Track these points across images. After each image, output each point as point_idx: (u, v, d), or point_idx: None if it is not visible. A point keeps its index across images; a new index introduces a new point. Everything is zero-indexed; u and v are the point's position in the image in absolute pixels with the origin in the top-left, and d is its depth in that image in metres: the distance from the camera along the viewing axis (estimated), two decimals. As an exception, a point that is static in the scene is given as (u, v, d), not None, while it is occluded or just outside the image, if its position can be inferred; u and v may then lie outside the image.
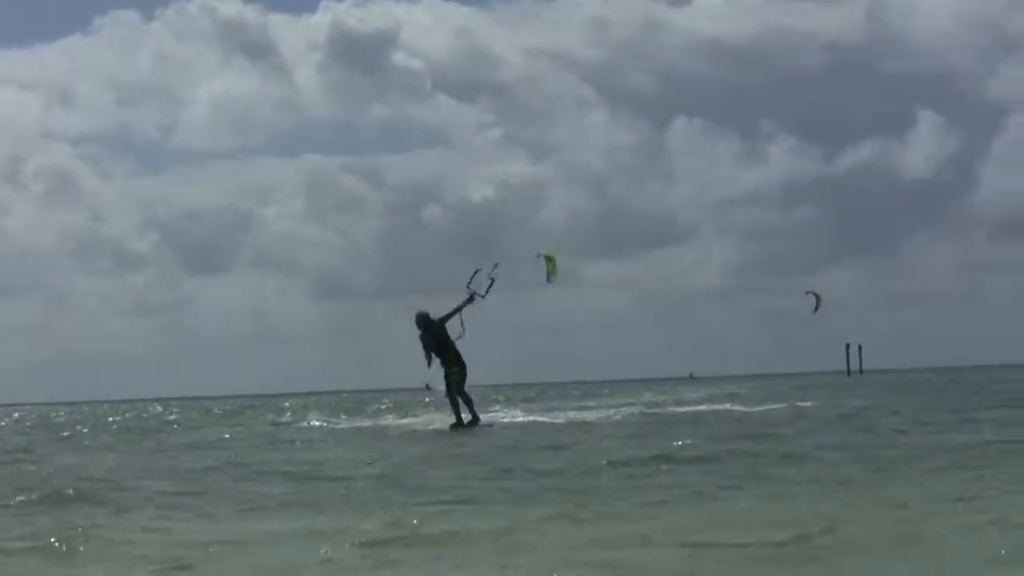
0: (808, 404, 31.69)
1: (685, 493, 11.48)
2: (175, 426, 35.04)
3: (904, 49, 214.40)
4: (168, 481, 14.41)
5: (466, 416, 25.11)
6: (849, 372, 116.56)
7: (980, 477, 12.02)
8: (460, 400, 24.93)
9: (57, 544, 9.30)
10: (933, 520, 9.33)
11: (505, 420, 28.51)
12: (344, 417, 35.39)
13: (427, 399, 40.26)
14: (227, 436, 26.60)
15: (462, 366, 24.93)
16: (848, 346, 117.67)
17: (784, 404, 31.46)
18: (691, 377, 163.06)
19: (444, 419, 26.29)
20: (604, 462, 14.57)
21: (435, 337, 24.80)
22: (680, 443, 17.38)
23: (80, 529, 10.04)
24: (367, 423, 31.11)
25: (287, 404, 63.13)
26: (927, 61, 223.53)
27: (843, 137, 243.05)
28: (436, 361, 25.02)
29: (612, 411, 31.67)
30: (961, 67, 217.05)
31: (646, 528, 9.27)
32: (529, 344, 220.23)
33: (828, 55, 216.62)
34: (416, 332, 25.05)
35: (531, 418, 29.08)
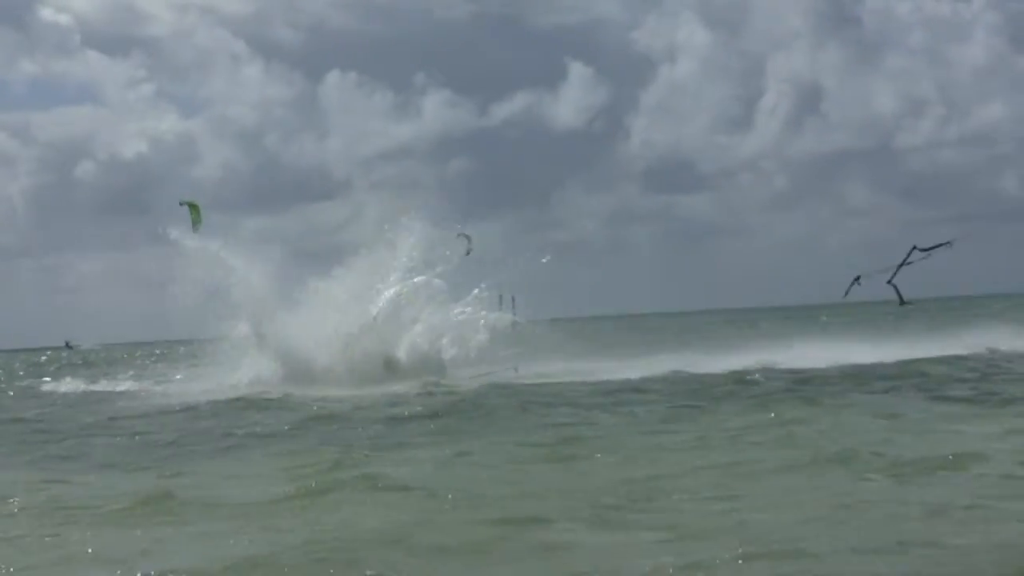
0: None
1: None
2: None
3: (554, 2, 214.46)
4: None
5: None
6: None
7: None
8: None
9: None
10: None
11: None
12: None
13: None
14: None
15: None
16: (501, 297, 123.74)
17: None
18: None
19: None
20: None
21: None
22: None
23: None
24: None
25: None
26: (576, 14, 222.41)
27: (496, 90, 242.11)
28: None
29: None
30: (609, 19, 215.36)
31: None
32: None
33: (478, 8, 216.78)
34: None
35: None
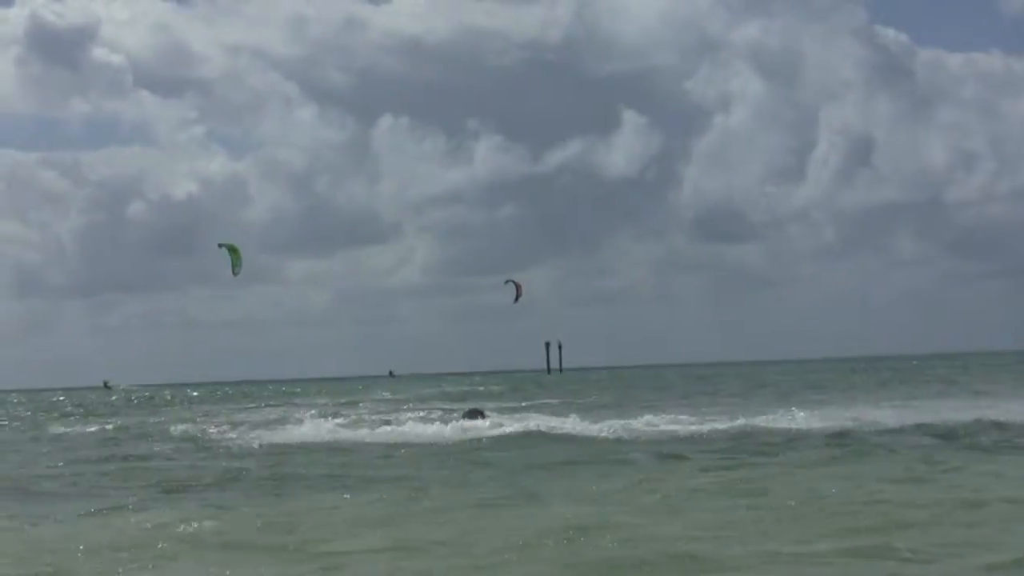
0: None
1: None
2: None
3: (608, 50, 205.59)
4: None
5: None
6: (549, 370, 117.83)
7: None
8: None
9: None
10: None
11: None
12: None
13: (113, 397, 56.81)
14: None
15: None
16: (548, 344, 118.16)
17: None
18: (391, 375, 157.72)
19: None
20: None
21: None
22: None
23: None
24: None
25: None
26: (631, 62, 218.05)
27: (549, 137, 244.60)
28: None
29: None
30: (664, 68, 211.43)
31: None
32: (227, 341, 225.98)
33: (532, 55, 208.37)
34: None
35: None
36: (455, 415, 34.56)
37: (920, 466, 18.59)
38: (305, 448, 26.49)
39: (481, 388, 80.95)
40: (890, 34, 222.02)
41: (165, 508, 16.23)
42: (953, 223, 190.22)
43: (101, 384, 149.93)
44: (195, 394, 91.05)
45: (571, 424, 30.59)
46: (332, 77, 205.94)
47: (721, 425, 28.37)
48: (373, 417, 38.80)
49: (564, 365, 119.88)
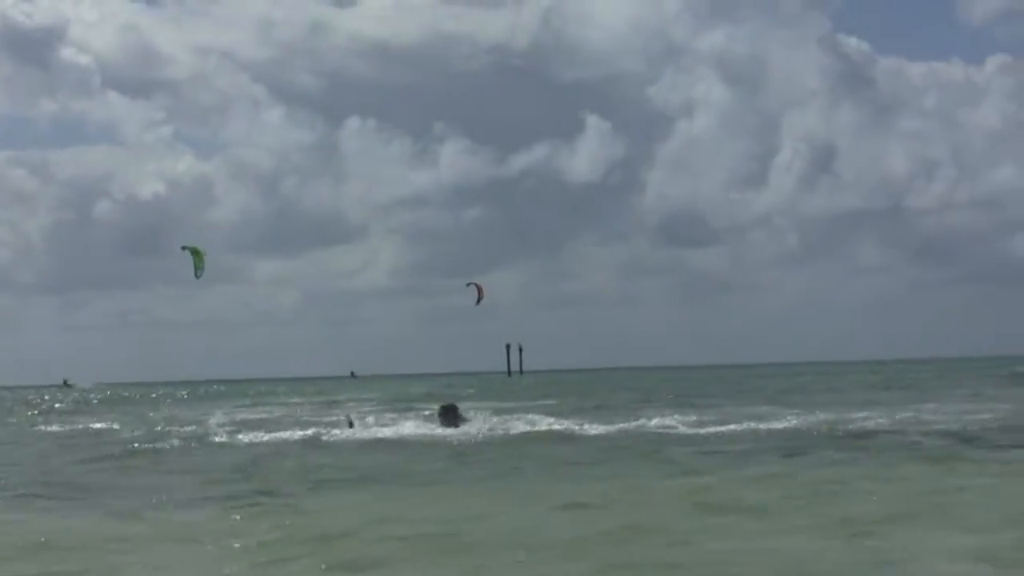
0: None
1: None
2: None
3: (574, 56, 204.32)
4: None
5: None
6: (510, 372, 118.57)
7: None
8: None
9: None
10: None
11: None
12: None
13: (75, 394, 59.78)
14: None
15: None
16: (508, 347, 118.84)
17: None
18: (353, 376, 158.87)
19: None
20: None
21: None
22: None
23: None
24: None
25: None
26: (597, 67, 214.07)
27: (514, 141, 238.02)
28: None
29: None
30: (629, 74, 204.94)
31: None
32: (191, 341, 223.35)
33: (499, 60, 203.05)
34: None
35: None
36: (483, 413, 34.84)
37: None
38: (409, 441, 27.26)
39: (449, 389, 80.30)
40: (852, 43, 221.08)
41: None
42: (915, 230, 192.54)
43: (60, 383, 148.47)
44: (154, 395, 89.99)
45: (587, 425, 30.37)
46: (300, 79, 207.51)
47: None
48: (391, 415, 38.69)
49: (525, 368, 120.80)
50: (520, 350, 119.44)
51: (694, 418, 31.86)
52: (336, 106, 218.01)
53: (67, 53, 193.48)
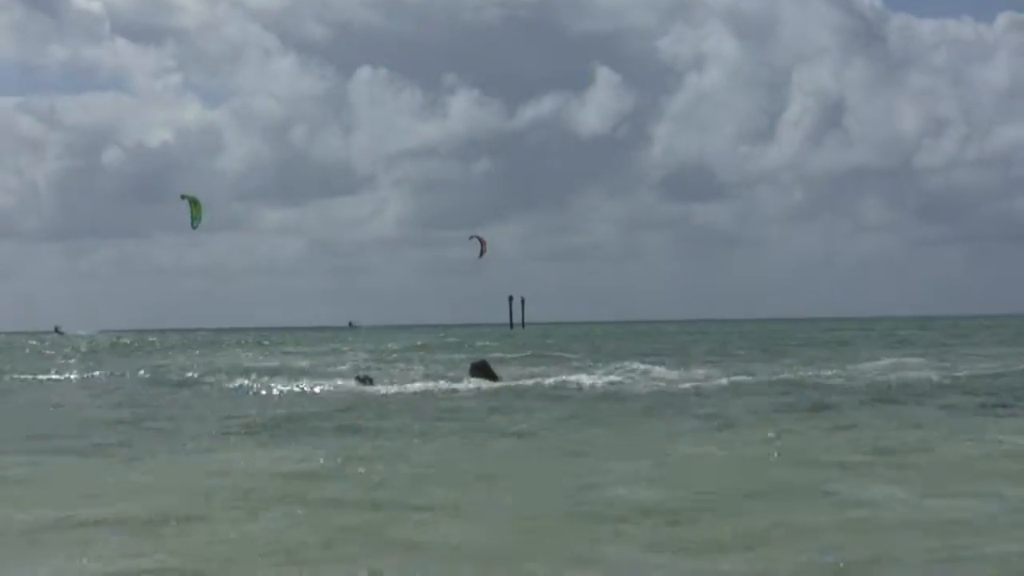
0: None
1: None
2: None
3: (584, 8, 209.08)
4: None
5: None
6: (512, 325, 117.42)
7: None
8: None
9: None
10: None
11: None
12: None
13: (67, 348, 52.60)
14: None
15: None
16: (511, 299, 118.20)
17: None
18: (350, 325, 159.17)
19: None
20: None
21: None
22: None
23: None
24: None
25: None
26: (607, 20, 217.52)
27: (524, 93, 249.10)
28: None
29: None
30: (639, 27, 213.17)
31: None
32: (193, 288, 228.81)
33: (509, 12, 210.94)
34: None
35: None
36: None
37: None
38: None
39: (450, 339, 78.63)
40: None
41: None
42: (922, 188, 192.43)
43: (52, 329, 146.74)
44: (152, 340, 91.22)
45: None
46: (310, 29, 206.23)
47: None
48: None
49: (527, 320, 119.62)
50: (523, 303, 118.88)
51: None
52: (347, 56, 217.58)
53: (77, 0, 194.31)
